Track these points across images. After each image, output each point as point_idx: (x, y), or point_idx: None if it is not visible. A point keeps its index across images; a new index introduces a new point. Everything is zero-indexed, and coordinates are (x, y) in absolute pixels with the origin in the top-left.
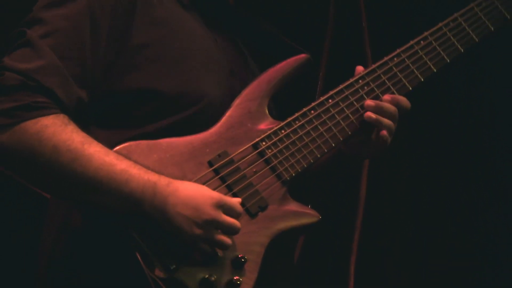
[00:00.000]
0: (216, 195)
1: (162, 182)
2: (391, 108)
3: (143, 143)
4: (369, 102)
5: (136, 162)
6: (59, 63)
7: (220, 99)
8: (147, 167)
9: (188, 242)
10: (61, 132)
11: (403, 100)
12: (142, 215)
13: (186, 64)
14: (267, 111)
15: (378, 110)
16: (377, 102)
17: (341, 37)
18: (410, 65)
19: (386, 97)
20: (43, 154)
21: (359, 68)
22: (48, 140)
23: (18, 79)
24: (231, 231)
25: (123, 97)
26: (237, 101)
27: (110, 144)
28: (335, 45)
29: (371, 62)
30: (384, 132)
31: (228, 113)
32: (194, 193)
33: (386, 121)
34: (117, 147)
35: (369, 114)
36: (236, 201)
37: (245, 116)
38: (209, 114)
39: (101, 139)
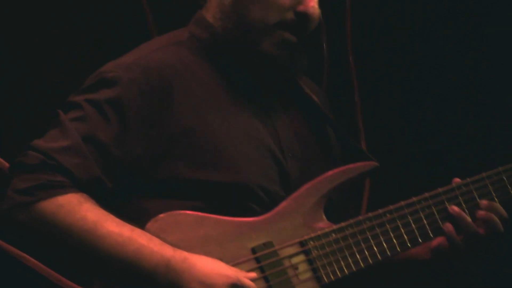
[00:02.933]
0: (233, 274)
1: (177, 258)
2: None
3: (192, 215)
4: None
5: (152, 238)
6: (83, 146)
7: (268, 189)
8: (165, 242)
9: None
10: (76, 211)
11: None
12: None
13: (227, 153)
14: (322, 211)
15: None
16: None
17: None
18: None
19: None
20: (58, 234)
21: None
22: (62, 220)
23: (39, 158)
24: None
25: (160, 185)
26: (294, 194)
27: (154, 214)
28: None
29: (363, 136)
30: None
31: (283, 204)
32: (211, 271)
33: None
34: (164, 214)
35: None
36: (253, 284)
37: (299, 211)
38: (254, 202)
39: (147, 208)
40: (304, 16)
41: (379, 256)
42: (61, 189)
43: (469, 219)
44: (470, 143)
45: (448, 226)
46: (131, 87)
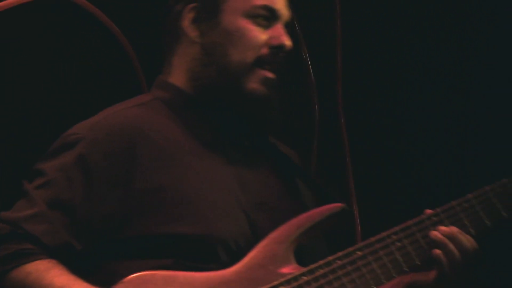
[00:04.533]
0: None
1: None
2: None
3: (159, 274)
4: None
5: None
6: (49, 212)
7: (237, 239)
8: None
9: None
10: (43, 278)
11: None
12: None
13: (195, 207)
14: (292, 256)
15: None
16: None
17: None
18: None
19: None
20: None
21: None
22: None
23: (7, 228)
24: None
25: (129, 243)
26: (262, 243)
27: (124, 275)
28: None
29: (355, 198)
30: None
31: (251, 254)
32: None
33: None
34: (131, 276)
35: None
36: None
37: (269, 258)
38: (224, 253)
39: (116, 270)
40: (279, 49)
41: None
42: (30, 256)
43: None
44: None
45: (436, 252)
46: (94, 148)
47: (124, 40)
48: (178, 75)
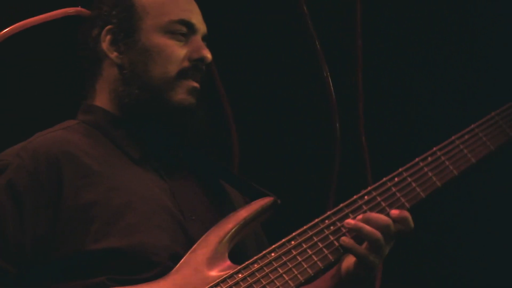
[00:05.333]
0: None
1: None
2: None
3: None
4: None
5: None
6: None
7: (171, 248)
8: None
9: None
10: None
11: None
12: None
13: (125, 220)
14: (226, 256)
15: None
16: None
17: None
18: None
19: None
20: None
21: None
22: None
23: None
24: None
25: (65, 262)
26: (193, 248)
27: None
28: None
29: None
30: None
31: (185, 259)
32: None
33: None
34: None
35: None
36: None
37: (202, 262)
38: (159, 263)
39: None
40: (200, 61)
41: (291, 284)
42: None
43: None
44: None
45: (344, 240)
46: (20, 172)
47: None
48: (102, 98)
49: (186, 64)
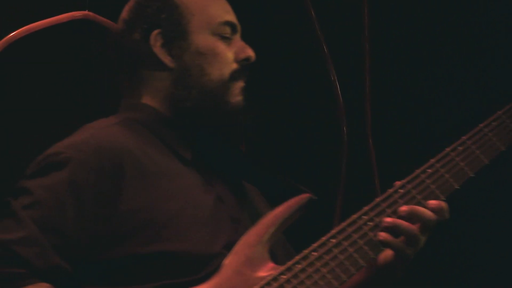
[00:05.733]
0: None
1: None
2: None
3: None
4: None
5: None
6: (40, 234)
7: (217, 252)
8: None
9: None
10: None
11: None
12: None
13: (176, 225)
14: (268, 257)
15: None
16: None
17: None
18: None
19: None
20: None
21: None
22: None
23: None
24: None
25: (117, 263)
26: (234, 249)
27: None
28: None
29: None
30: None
31: (226, 262)
32: None
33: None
34: None
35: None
36: None
37: (244, 263)
38: (207, 268)
39: None
40: (247, 61)
41: (335, 283)
42: (20, 281)
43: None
44: None
45: (383, 235)
46: (82, 168)
47: None
48: (150, 97)
49: (235, 65)
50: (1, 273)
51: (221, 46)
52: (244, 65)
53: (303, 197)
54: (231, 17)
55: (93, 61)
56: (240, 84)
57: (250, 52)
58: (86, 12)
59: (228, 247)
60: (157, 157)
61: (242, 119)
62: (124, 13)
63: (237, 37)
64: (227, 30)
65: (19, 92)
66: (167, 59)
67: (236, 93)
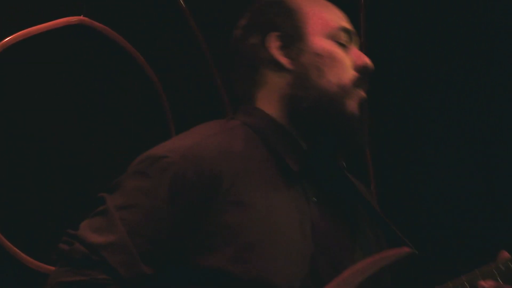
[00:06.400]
0: None
1: None
2: None
3: None
4: None
5: None
6: (129, 240)
7: (293, 281)
8: None
9: None
10: None
11: None
12: None
13: (260, 251)
14: None
15: None
16: None
17: None
18: None
19: None
20: None
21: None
22: None
23: (83, 253)
24: None
25: (195, 275)
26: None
27: None
28: None
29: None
30: None
31: None
32: None
33: None
34: None
35: None
36: None
37: None
38: None
39: None
40: (366, 68)
41: None
42: (102, 287)
43: None
44: None
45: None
46: (183, 176)
47: (149, 69)
48: (266, 104)
49: (354, 72)
50: (85, 275)
51: (338, 50)
52: (364, 72)
53: (403, 251)
54: (347, 24)
55: (89, 66)
56: (360, 93)
57: (367, 60)
58: (81, 17)
59: (301, 276)
60: (259, 171)
61: (357, 129)
62: (241, 21)
63: (354, 46)
64: (344, 36)
65: (14, 97)
66: (285, 61)
67: (355, 101)
